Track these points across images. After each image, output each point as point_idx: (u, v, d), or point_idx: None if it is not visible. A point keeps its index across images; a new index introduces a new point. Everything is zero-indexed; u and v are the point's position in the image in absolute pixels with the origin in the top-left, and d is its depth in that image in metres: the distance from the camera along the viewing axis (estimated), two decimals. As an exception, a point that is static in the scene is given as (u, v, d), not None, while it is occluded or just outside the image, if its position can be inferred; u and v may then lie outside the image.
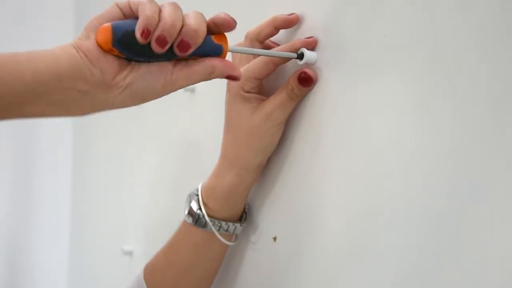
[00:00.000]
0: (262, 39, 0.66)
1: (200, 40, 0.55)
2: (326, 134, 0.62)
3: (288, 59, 0.64)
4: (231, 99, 0.67)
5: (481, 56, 0.46)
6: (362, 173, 0.57)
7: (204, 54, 0.57)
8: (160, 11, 0.54)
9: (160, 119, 1.00)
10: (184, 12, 0.55)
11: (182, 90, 0.88)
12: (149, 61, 0.55)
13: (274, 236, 0.68)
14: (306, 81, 0.62)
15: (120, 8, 0.55)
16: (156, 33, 0.53)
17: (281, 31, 0.67)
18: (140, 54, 0.54)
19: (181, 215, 0.90)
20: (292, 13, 0.65)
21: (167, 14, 0.53)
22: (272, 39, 0.68)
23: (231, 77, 0.59)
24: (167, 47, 0.53)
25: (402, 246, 0.52)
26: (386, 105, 0.54)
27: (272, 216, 0.70)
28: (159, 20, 0.53)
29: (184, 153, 0.93)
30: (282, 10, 0.66)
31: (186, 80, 0.57)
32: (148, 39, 0.53)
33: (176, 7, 0.55)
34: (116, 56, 0.54)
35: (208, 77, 0.57)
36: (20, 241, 1.64)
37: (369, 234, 0.55)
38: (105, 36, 0.53)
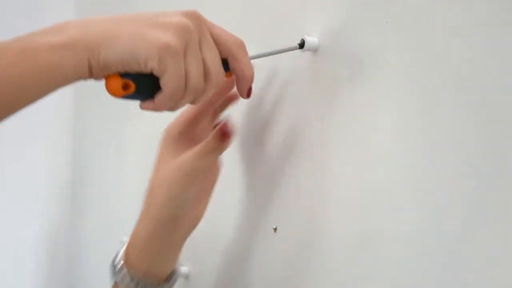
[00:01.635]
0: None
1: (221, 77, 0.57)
2: (327, 122, 0.61)
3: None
4: (163, 138, 0.66)
5: (491, 44, 0.45)
6: (364, 163, 0.56)
7: None
8: (179, 98, 0.54)
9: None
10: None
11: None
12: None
13: (274, 227, 0.67)
14: (223, 135, 0.61)
15: (152, 72, 0.52)
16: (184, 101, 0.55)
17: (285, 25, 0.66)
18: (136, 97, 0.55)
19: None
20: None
21: (179, 108, 0.55)
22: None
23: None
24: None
25: (408, 237, 0.51)
26: (390, 93, 0.53)
27: (271, 206, 0.69)
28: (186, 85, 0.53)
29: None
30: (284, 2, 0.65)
31: None
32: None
33: (192, 97, 0.55)
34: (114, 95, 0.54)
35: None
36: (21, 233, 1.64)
37: (373, 223, 0.55)
38: (115, 92, 0.53)
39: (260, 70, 0.72)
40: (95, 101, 1.29)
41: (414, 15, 0.51)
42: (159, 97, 0.53)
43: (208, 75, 0.54)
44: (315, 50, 0.62)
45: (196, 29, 0.53)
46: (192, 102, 0.55)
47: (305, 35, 0.62)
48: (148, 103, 0.54)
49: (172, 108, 0.55)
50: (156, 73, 0.51)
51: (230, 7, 0.80)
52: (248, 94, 0.60)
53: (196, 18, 0.54)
